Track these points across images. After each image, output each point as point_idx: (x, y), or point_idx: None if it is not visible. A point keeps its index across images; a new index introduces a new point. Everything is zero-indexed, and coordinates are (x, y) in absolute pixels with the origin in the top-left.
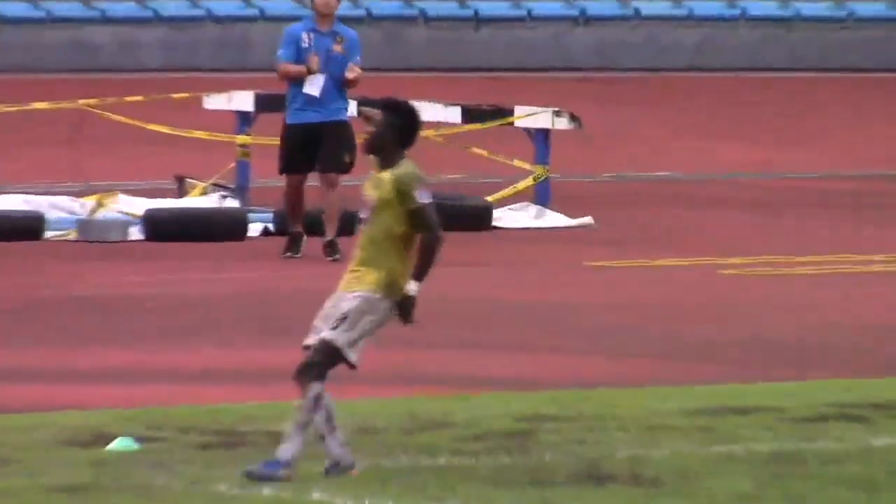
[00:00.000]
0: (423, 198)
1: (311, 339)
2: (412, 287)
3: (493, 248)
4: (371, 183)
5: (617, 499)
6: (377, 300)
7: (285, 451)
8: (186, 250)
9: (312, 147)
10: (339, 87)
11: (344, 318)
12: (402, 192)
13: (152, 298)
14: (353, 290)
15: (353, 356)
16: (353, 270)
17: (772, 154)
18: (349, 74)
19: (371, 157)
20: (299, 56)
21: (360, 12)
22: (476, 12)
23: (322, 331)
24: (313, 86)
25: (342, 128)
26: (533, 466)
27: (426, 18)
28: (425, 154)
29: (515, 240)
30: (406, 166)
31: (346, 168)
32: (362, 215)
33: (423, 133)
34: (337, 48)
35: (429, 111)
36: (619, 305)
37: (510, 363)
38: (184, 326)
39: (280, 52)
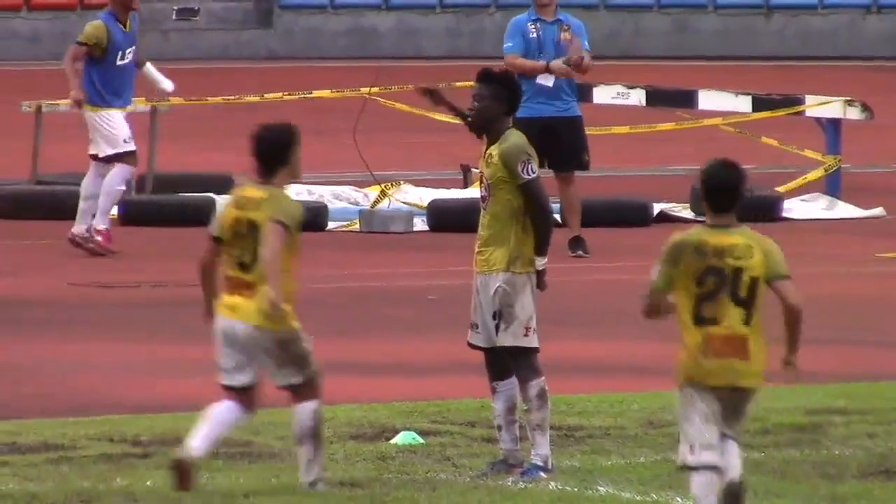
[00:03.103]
0: (528, 173)
1: (476, 340)
2: (539, 262)
3: (784, 239)
4: (483, 161)
5: None
6: (514, 278)
7: (540, 454)
8: (472, 242)
9: (546, 141)
10: (570, 79)
11: (498, 314)
12: (508, 167)
13: (436, 290)
14: (484, 272)
15: (532, 343)
16: (479, 252)
17: None
18: (575, 56)
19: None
20: (528, 47)
21: (650, 0)
22: (767, 0)
23: (480, 326)
24: (547, 78)
25: (577, 123)
26: (822, 460)
27: (716, 6)
28: (715, 143)
29: (806, 231)
30: (512, 138)
31: (586, 166)
32: (482, 194)
33: (714, 123)
34: (566, 36)
35: (719, 100)
36: None
37: (800, 355)
38: (468, 319)
39: (508, 44)
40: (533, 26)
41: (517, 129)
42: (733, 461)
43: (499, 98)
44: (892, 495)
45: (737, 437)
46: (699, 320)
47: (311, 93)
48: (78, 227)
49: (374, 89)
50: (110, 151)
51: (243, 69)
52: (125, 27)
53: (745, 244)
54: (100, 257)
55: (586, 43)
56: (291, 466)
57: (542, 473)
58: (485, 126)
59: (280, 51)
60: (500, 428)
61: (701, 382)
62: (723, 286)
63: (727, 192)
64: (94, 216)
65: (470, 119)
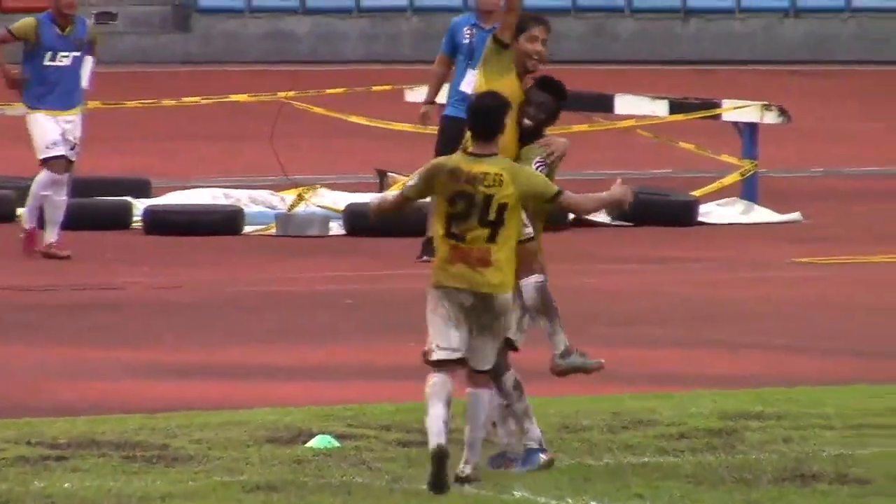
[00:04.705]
0: None
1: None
2: None
3: (700, 243)
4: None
5: (823, 498)
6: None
7: (532, 439)
8: (388, 245)
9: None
10: None
11: None
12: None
13: (352, 294)
14: None
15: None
16: None
17: None
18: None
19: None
20: (454, 50)
21: (566, 4)
22: (684, 3)
23: None
24: (468, 84)
25: None
26: (737, 465)
27: (633, 10)
28: (632, 148)
29: (722, 235)
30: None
31: None
32: None
33: (630, 126)
34: None
35: (635, 105)
36: (826, 303)
37: (715, 360)
38: (384, 322)
39: (443, 43)
40: (468, 31)
41: (446, 127)
42: (482, 354)
43: (557, 110)
44: (808, 499)
45: (494, 337)
46: (449, 235)
47: (229, 97)
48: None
49: (291, 93)
50: (38, 156)
51: (162, 73)
52: (63, 30)
53: (497, 173)
54: (21, 260)
55: None
56: (207, 469)
57: (541, 455)
58: (537, 137)
59: (198, 55)
60: (494, 424)
61: (445, 286)
62: (472, 209)
63: (486, 122)
64: (55, 223)
65: (531, 126)
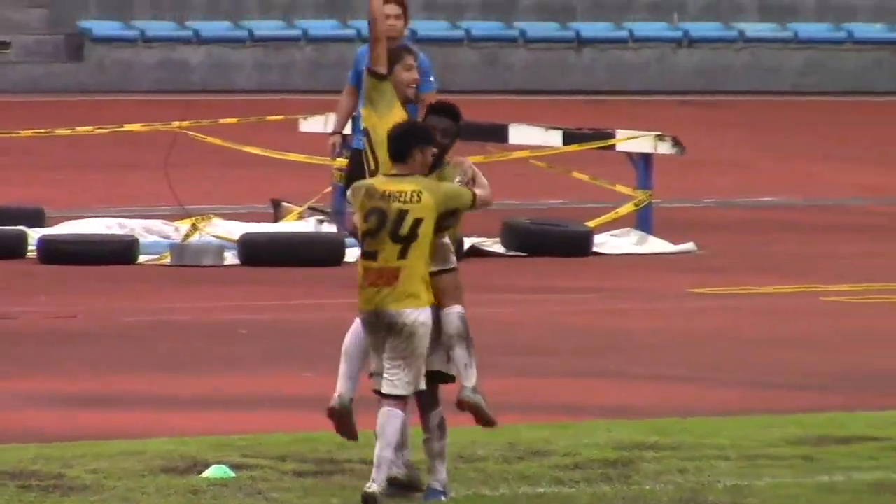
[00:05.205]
0: None
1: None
2: None
3: (594, 274)
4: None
5: None
6: None
7: (438, 481)
8: (283, 275)
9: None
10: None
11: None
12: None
13: (247, 324)
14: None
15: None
16: None
17: (880, 179)
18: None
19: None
20: (360, 80)
21: (460, 34)
22: (577, 34)
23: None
24: None
25: None
26: (633, 495)
27: (526, 40)
28: (526, 178)
29: (617, 266)
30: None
31: None
32: None
33: (524, 156)
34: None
35: (529, 135)
36: (720, 333)
37: (610, 391)
38: (279, 353)
39: (349, 73)
40: None
41: (352, 159)
42: (391, 376)
43: (455, 134)
44: None
45: (404, 359)
46: (363, 255)
47: (123, 126)
48: None
49: (185, 123)
50: None
51: (55, 102)
52: None
53: (414, 190)
54: None
55: (431, 79)
56: (103, 499)
57: (442, 498)
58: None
59: (91, 84)
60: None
61: (362, 310)
62: (383, 224)
63: (399, 144)
64: None
65: (437, 154)
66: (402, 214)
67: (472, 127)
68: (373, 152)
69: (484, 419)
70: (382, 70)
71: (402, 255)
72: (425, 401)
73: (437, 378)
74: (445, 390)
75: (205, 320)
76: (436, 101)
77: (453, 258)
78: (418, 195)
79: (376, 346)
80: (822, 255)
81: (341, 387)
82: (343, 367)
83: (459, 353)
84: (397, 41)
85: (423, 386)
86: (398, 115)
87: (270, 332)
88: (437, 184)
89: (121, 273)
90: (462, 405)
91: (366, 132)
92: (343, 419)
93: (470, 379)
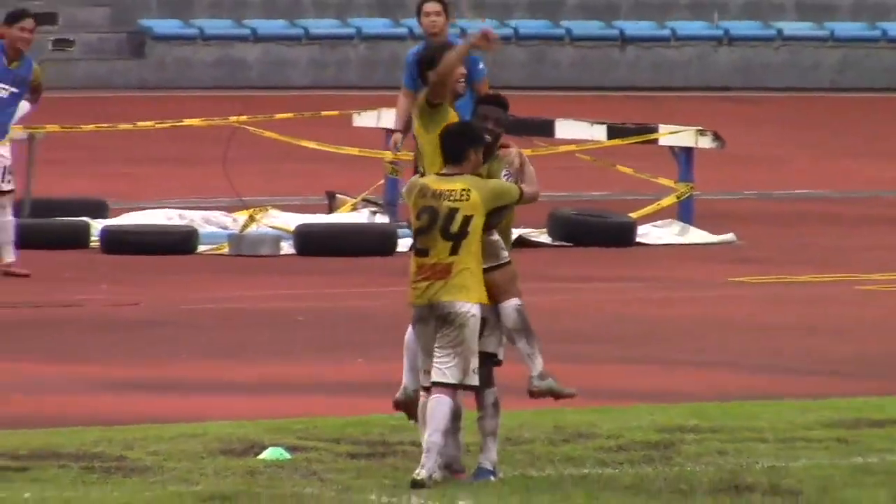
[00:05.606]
0: None
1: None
2: None
3: (637, 264)
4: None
5: None
6: None
7: (489, 459)
8: (337, 265)
9: None
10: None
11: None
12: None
13: (303, 312)
14: None
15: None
16: None
17: None
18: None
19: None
20: (415, 83)
21: (508, 32)
22: (621, 32)
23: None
24: None
25: None
26: (674, 476)
27: (572, 38)
28: (572, 171)
29: (659, 256)
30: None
31: None
32: None
33: (570, 150)
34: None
35: (575, 129)
36: (760, 321)
37: (652, 376)
38: (334, 340)
39: (404, 77)
40: None
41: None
42: (442, 365)
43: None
44: None
45: (454, 348)
46: (415, 251)
47: (182, 121)
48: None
49: (243, 118)
50: None
51: (117, 98)
52: (9, 63)
53: (463, 189)
54: None
55: (481, 66)
56: (163, 480)
57: (491, 478)
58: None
59: (152, 81)
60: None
61: (413, 303)
62: (434, 222)
63: (453, 146)
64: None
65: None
66: (453, 212)
67: (521, 122)
68: (421, 159)
69: (560, 396)
70: (441, 100)
71: (454, 251)
72: (481, 379)
73: (491, 359)
74: (510, 376)
75: (262, 308)
76: (485, 93)
77: (504, 253)
78: (467, 193)
79: (427, 344)
80: (857, 247)
81: (405, 379)
82: (406, 361)
83: (521, 345)
84: (439, 37)
85: (474, 382)
86: (449, 120)
87: (325, 320)
88: (484, 181)
89: (180, 262)
90: (533, 394)
91: (414, 137)
92: (409, 408)
93: (536, 368)
